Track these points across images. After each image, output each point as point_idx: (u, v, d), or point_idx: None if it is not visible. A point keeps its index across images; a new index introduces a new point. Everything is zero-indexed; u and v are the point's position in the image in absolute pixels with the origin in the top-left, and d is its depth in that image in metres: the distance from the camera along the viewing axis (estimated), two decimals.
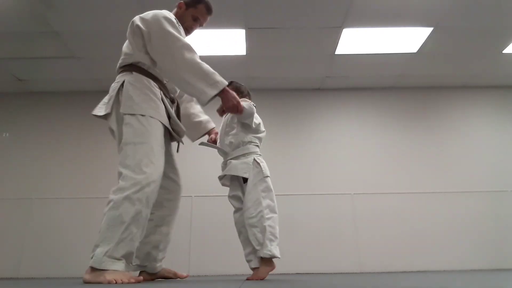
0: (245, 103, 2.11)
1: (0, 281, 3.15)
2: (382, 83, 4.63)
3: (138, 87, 1.88)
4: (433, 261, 3.91)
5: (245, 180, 2.23)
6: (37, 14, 3.26)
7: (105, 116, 1.94)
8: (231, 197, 2.33)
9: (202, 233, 3.94)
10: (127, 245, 1.68)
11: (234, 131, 2.31)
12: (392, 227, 4.07)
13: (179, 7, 2.11)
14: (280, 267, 3.76)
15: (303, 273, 3.75)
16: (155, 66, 1.94)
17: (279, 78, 4.44)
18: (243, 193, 2.24)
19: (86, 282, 1.62)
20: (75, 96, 4.60)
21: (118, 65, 2.02)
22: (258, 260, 2.16)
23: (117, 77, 1.99)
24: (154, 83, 1.93)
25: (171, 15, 1.94)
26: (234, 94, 1.94)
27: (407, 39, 3.75)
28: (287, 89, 4.64)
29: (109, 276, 1.59)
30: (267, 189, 2.24)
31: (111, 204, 1.70)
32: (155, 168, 1.79)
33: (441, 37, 3.71)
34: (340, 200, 4.20)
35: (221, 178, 2.36)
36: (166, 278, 2.14)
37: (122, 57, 2.00)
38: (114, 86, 1.96)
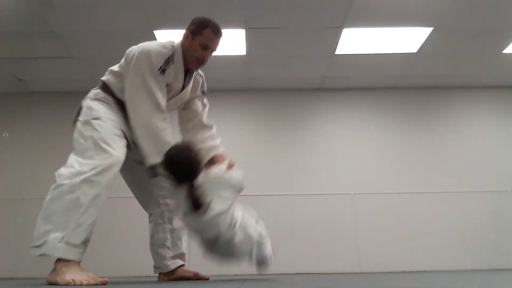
0: None
1: (0, 281, 3.15)
2: (382, 83, 4.63)
3: (97, 101, 1.95)
4: (433, 261, 3.90)
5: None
6: (37, 14, 3.26)
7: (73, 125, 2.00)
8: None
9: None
10: (87, 230, 1.59)
11: None
12: (392, 227, 4.07)
13: (185, 37, 1.94)
14: (280, 267, 3.77)
15: (303, 273, 3.75)
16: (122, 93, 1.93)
17: (279, 78, 4.44)
18: None
19: (49, 283, 1.54)
20: (75, 96, 4.53)
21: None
22: None
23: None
24: (116, 103, 1.94)
25: (154, 57, 1.84)
26: None
27: (407, 39, 3.74)
28: (287, 89, 4.63)
29: (68, 276, 1.49)
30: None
31: (64, 187, 1.61)
32: (116, 153, 1.75)
33: (441, 37, 3.71)
34: (340, 200, 4.19)
35: None
36: (184, 278, 2.07)
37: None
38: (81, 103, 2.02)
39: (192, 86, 2.09)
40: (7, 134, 4.48)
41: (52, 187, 1.67)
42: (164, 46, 1.92)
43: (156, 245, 2.04)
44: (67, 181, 1.63)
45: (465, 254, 3.96)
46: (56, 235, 1.53)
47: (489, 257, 3.95)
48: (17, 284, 2.11)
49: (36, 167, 4.30)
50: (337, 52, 3.92)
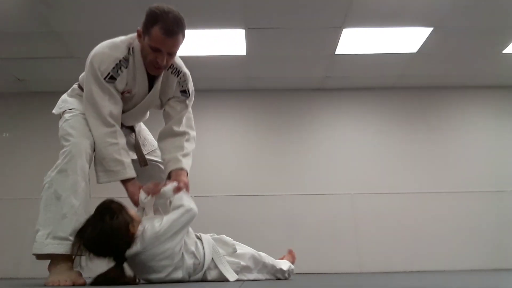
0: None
1: (0, 281, 3.15)
2: (382, 83, 4.63)
3: (72, 94, 1.93)
4: (433, 261, 3.90)
5: None
6: (37, 14, 3.26)
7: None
8: None
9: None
10: (72, 220, 1.51)
11: None
12: (392, 227, 4.07)
13: (138, 35, 1.70)
14: None
15: (303, 273, 3.75)
16: None
17: (279, 78, 4.43)
18: None
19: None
20: None
21: None
22: None
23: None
24: None
25: (99, 66, 1.67)
26: (133, 191, 1.67)
27: (407, 39, 3.74)
28: (287, 89, 4.63)
29: (52, 277, 1.48)
30: None
31: (45, 186, 1.61)
32: (85, 138, 1.64)
33: (441, 37, 3.71)
34: (340, 200, 4.19)
35: None
36: None
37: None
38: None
39: (162, 87, 1.81)
40: (7, 134, 4.47)
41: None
42: (116, 47, 1.71)
43: None
44: (46, 179, 1.61)
45: (465, 254, 3.96)
46: (42, 233, 1.51)
47: (489, 257, 3.95)
48: (17, 284, 2.11)
49: (36, 167, 4.29)
50: (337, 52, 3.92)
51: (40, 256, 1.53)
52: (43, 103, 4.59)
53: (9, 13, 3.25)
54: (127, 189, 1.69)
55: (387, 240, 4.01)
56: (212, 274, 1.68)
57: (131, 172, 1.68)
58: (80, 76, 1.87)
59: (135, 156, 1.91)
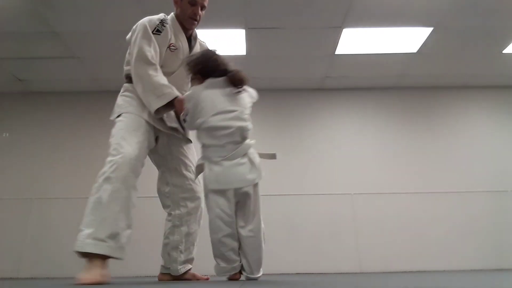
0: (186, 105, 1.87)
1: (0, 281, 3.15)
2: (382, 83, 4.63)
3: (124, 94, 2.03)
4: (433, 261, 3.90)
5: None
6: (37, 14, 3.26)
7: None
8: None
9: (202, 233, 3.94)
10: (111, 224, 1.66)
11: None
12: (392, 227, 4.07)
13: (175, 2, 2.10)
14: (280, 267, 3.78)
15: (303, 273, 3.75)
16: None
17: (279, 78, 4.44)
18: None
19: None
20: (75, 96, 4.60)
21: None
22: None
23: None
24: None
25: (150, 20, 2.01)
26: (182, 104, 1.87)
27: (407, 39, 3.75)
28: (287, 89, 4.64)
29: (84, 274, 1.58)
30: (208, 208, 1.85)
31: (93, 191, 1.74)
32: (132, 150, 1.82)
33: (441, 37, 3.71)
34: (340, 200, 4.20)
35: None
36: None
37: None
38: None
39: (201, 48, 2.18)
40: (7, 134, 4.48)
41: None
42: (156, 15, 2.07)
43: (169, 246, 2.05)
44: (94, 185, 1.75)
45: (465, 254, 3.96)
46: (84, 233, 1.64)
47: (489, 257, 3.95)
48: (17, 284, 2.11)
49: (36, 167, 4.30)
50: (337, 52, 3.92)
51: (80, 254, 1.65)
52: (43, 103, 4.61)
53: (9, 13, 3.25)
54: (176, 106, 1.91)
55: (387, 240, 4.01)
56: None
57: (177, 92, 1.93)
58: (125, 69, 2.06)
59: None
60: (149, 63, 1.91)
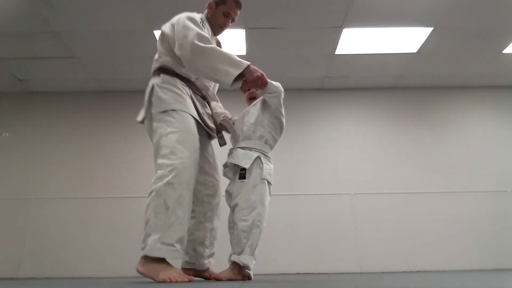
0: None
1: (0, 281, 3.15)
2: (382, 83, 4.63)
3: (165, 87, 1.95)
4: (433, 261, 3.90)
5: (241, 176, 2.05)
6: (37, 14, 3.26)
7: (143, 121, 2.04)
8: (226, 192, 2.15)
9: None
10: (178, 229, 1.73)
11: (251, 120, 2.17)
12: (392, 227, 4.07)
13: (209, 7, 2.18)
14: (280, 267, 3.78)
15: (303, 273, 3.75)
16: (181, 66, 1.99)
17: (279, 78, 4.36)
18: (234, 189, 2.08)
19: (139, 272, 1.70)
20: (75, 96, 4.60)
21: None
22: (230, 263, 2.01)
23: (149, 81, 2.06)
24: (181, 82, 1.99)
25: (192, 14, 2.03)
26: (256, 68, 1.91)
27: (407, 39, 3.75)
28: (287, 89, 4.54)
29: (163, 275, 1.65)
30: (265, 195, 2.02)
31: (153, 193, 1.76)
32: (190, 153, 1.85)
33: (441, 37, 3.71)
34: (340, 200, 4.19)
35: (224, 166, 2.19)
36: (207, 278, 2.11)
37: (152, 64, 2.09)
38: (147, 91, 2.03)
39: None
40: (7, 134, 4.48)
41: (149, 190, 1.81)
42: (196, 13, 2.11)
43: (195, 242, 2.08)
44: (154, 187, 1.77)
45: (465, 254, 3.96)
46: (153, 238, 1.69)
47: (489, 257, 3.95)
48: (17, 284, 2.11)
49: (36, 167, 4.30)
50: (337, 52, 3.92)
51: (149, 257, 1.70)
52: (43, 103, 4.61)
53: (9, 13, 3.25)
54: (252, 68, 1.88)
55: (387, 240, 4.01)
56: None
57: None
58: (159, 63, 2.02)
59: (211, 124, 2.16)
60: (210, 40, 1.91)
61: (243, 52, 3.89)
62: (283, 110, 2.20)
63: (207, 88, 2.21)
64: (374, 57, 4.04)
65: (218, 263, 2.16)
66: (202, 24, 2.01)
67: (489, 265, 3.89)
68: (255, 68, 1.90)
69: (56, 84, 4.49)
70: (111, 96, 4.53)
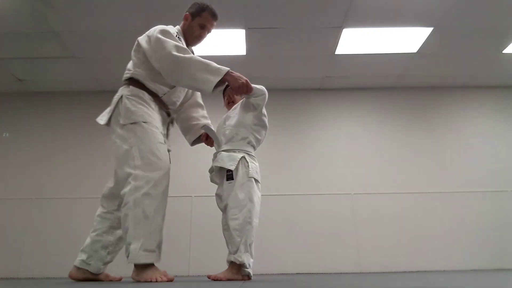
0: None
1: (0, 281, 3.15)
2: (382, 83, 4.63)
3: (134, 99, 1.99)
4: (433, 261, 3.90)
5: (228, 177, 2.08)
6: (37, 14, 3.26)
7: (107, 125, 2.08)
8: (216, 195, 2.18)
9: (202, 233, 3.94)
10: (157, 236, 1.83)
11: (232, 123, 2.20)
12: (392, 227, 4.07)
13: (185, 18, 2.21)
14: (280, 267, 3.78)
15: (303, 273, 3.75)
16: (151, 80, 2.03)
17: (279, 78, 4.43)
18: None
19: (136, 281, 1.80)
20: (75, 96, 4.60)
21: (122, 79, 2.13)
22: (228, 264, 2.03)
23: (119, 90, 2.09)
24: (149, 96, 2.03)
25: (167, 27, 2.05)
26: (239, 74, 1.94)
27: (407, 39, 3.75)
28: (287, 89, 4.63)
29: (146, 275, 1.76)
30: (253, 192, 2.06)
31: (129, 204, 1.81)
32: (164, 164, 1.93)
33: (441, 37, 3.71)
34: (340, 200, 4.19)
35: (210, 171, 2.24)
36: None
37: (125, 72, 2.10)
38: (114, 99, 2.07)
39: None
40: (7, 134, 4.48)
41: (122, 205, 1.86)
42: (171, 26, 2.15)
43: (99, 244, 2.06)
44: (130, 198, 1.82)
45: (465, 254, 3.96)
46: (134, 246, 1.77)
47: (489, 257, 3.95)
48: (17, 284, 2.11)
49: (36, 167, 4.30)
50: (337, 52, 3.92)
51: (139, 265, 1.80)
52: (43, 103, 4.61)
53: (9, 13, 3.25)
54: (235, 74, 1.93)
55: (387, 240, 4.01)
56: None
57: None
58: (131, 73, 2.05)
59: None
60: (188, 50, 1.96)
61: (243, 52, 3.89)
62: (265, 111, 2.25)
63: (174, 104, 2.22)
64: (374, 57, 4.04)
65: (217, 267, 2.15)
66: (177, 37, 2.05)
67: (489, 265, 3.89)
68: (238, 74, 1.93)
69: (56, 84, 4.49)
70: (111, 96, 4.50)
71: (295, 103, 4.63)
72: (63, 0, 3.12)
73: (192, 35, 2.20)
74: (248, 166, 2.10)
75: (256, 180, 2.12)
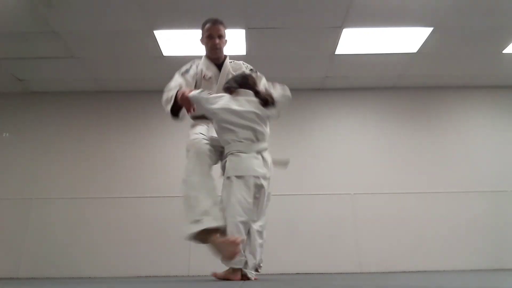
0: (192, 93, 2.11)
1: (0, 281, 3.15)
2: (382, 83, 4.63)
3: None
4: (433, 261, 3.90)
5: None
6: (37, 14, 3.26)
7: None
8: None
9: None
10: (195, 207, 2.01)
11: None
12: (392, 227, 4.07)
13: (200, 41, 2.49)
14: (280, 267, 3.78)
15: (303, 273, 3.75)
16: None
17: (279, 78, 4.39)
18: None
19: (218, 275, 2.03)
20: (75, 96, 4.60)
21: None
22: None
23: None
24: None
25: (185, 66, 2.45)
26: (181, 95, 2.13)
27: (407, 39, 3.74)
28: None
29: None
30: (231, 192, 2.02)
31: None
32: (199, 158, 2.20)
33: (441, 37, 3.71)
34: (340, 200, 4.19)
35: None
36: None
37: None
38: None
39: (230, 68, 2.53)
40: (7, 134, 4.48)
41: None
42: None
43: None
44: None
45: (465, 254, 3.96)
46: (186, 222, 2.04)
47: (489, 257, 3.94)
48: (17, 284, 2.11)
49: (36, 167, 4.30)
50: (337, 52, 3.92)
51: (194, 239, 2.01)
52: (43, 103, 4.61)
53: (9, 13, 3.25)
54: (179, 99, 2.15)
55: (387, 240, 4.01)
56: None
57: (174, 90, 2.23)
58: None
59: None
60: (169, 89, 2.26)
61: (243, 52, 3.89)
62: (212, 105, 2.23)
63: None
64: (374, 57, 4.04)
65: (217, 267, 2.15)
66: (190, 66, 2.42)
67: (489, 265, 3.89)
68: (180, 95, 2.14)
69: (56, 84, 4.49)
70: (111, 96, 4.53)
71: (295, 103, 4.56)
72: (63, 0, 3.12)
73: (207, 48, 2.45)
74: (227, 166, 2.11)
75: (237, 177, 2.02)
